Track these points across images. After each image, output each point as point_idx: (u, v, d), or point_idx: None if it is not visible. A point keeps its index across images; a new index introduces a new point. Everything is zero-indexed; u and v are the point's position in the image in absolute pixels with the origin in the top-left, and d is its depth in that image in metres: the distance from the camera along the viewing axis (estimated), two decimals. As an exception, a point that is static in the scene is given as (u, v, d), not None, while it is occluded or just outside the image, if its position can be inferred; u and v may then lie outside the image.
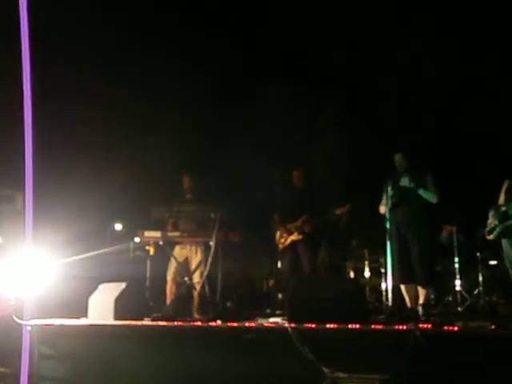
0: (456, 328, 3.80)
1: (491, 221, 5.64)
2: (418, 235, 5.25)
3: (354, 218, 6.38)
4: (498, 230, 5.50)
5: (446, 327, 3.85)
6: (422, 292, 5.22)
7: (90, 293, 5.22)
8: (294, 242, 6.16)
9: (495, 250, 7.36)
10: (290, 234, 6.17)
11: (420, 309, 5.11)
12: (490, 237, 5.59)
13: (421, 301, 5.20)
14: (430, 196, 5.34)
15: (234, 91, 8.43)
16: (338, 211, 5.98)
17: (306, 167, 6.64)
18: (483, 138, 7.74)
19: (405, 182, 5.32)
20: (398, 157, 5.50)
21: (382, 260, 7.29)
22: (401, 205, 5.35)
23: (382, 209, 5.53)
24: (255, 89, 8.23)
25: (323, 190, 6.55)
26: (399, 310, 5.45)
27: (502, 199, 5.66)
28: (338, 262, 8.18)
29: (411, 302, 5.28)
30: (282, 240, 6.27)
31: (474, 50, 7.49)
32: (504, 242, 5.56)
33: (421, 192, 5.31)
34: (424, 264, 5.19)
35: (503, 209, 5.51)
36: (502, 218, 5.48)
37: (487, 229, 5.64)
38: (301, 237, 6.09)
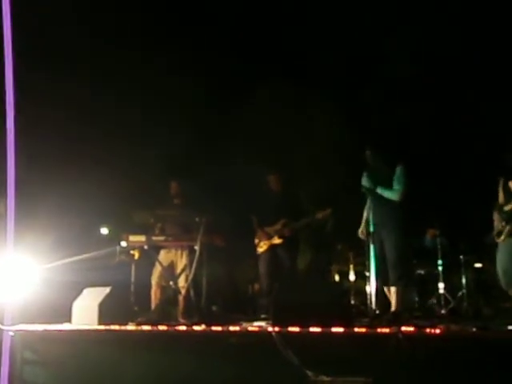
0: (438, 331, 3.83)
1: (497, 223, 5.55)
2: (391, 236, 5.15)
3: (339, 221, 6.39)
4: (506, 232, 5.29)
5: (428, 330, 3.89)
6: (393, 296, 5.14)
7: (74, 298, 5.21)
8: (273, 246, 6.15)
9: (480, 253, 7.45)
10: (270, 237, 6.18)
11: (391, 317, 4.95)
12: (500, 239, 5.48)
13: (392, 307, 5.11)
14: (390, 194, 5.22)
15: (221, 96, 8.42)
16: (319, 215, 5.97)
17: (282, 171, 6.58)
18: (467, 141, 7.79)
19: (364, 182, 5.27)
20: (367, 153, 5.41)
21: (367, 263, 7.32)
22: (378, 205, 5.31)
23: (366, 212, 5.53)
24: (243, 93, 8.23)
25: (302, 193, 6.53)
26: (384, 313, 5.47)
27: (501, 198, 5.62)
28: (323, 265, 8.20)
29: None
30: (261, 244, 6.25)
31: (456, 45, 7.53)
32: (504, 243, 5.49)
33: (379, 191, 5.23)
34: (395, 264, 5.10)
35: (506, 208, 5.36)
36: (509, 217, 5.30)
37: (495, 232, 5.57)
38: (281, 241, 6.09)
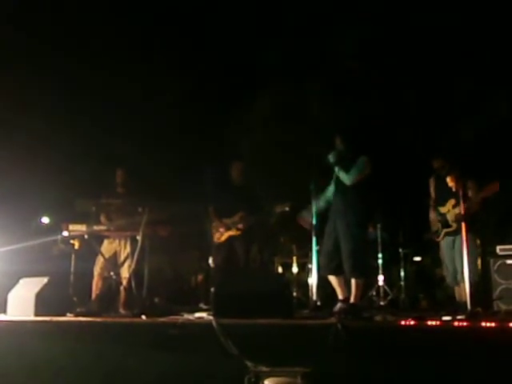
0: (375, 321, 3.93)
1: (434, 223, 5.89)
2: (347, 226, 5.18)
3: (285, 213, 6.42)
4: (442, 234, 5.75)
5: (366, 320, 3.98)
6: (353, 287, 5.16)
7: (10, 288, 5.06)
8: (230, 238, 6.17)
9: (419, 246, 7.68)
10: (228, 229, 6.17)
11: (347, 306, 5.04)
12: (439, 239, 5.83)
13: (352, 299, 5.13)
14: (344, 176, 5.30)
15: (171, 84, 8.32)
16: (278, 209, 5.99)
17: (245, 161, 6.62)
18: (405, 139, 7.97)
19: (330, 157, 5.33)
20: (337, 140, 5.46)
21: (310, 255, 7.41)
22: (336, 193, 5.38)
23: None
24: (190, 82, 8.15)
25: (261, 187, 6.55)
26: (324, 304, 5.55)
27: (432, 195, 5.93)
28: (267, 257, 8.26)
29: (343, 294, 5.23)
30: (218, 235, 6.24)
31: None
32: (446, 240, 5.78)
33: (336, 169, 5.32)
34: (349, 255, 5.11)
35: (443, 210, 5.75)
36: (444, 224, 5.72)
37: (433, 231, 5.90)
38: (239, 232, 6.11)
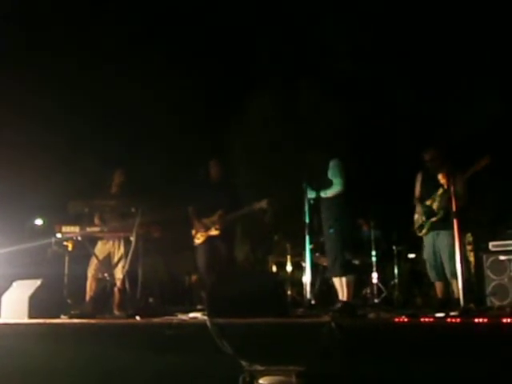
0: (369, 319, 3.94)
1: (418, 217, 5.76)
2: (326, 226, 5.29)
3: (278, 212, 6.42)
4: (426, 226, 5.64)
5: (360, 318, 3.99)
6: (343, 286, 5.22)
7: (4, 291, 5.05)
8: (210, 238, 6.09)
9: (413, 243, 7.69)
10: (207, 229, 6.13)
11: (340, 305, 5.10)
12: (422, 233, 5.72)
13: (343, 297, 5.20)
14: (332, 191, 5.32)
15: (163, 85, 8.32)
16: (256, 205, 5.95)
17: (224, 158, 6.58)
18: (396, 136, 8.00)
19: (309, 194, 5.36)
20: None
21: (304, 253, 7.41)
22: (321, 202, 5.42)
23: None
24: (181, 83, 8.16)
25: (240, 184, 6.53)
26: (319, 302, 5.57)
27: (417, 191, 5.86)
28: (260, 256, 8.25)
29: (342, 295, 5.28)
30: (198, 235, 6.18)
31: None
32: (428, 235, 5.71)
33: (323, 195, 5.35)
34: (327, 254, 5.26)
35: (428, 203, 5.65)
36: (429, 213, 5.60)
37: (416, 225, 5.78)
38: (218, 232, 6.04)
